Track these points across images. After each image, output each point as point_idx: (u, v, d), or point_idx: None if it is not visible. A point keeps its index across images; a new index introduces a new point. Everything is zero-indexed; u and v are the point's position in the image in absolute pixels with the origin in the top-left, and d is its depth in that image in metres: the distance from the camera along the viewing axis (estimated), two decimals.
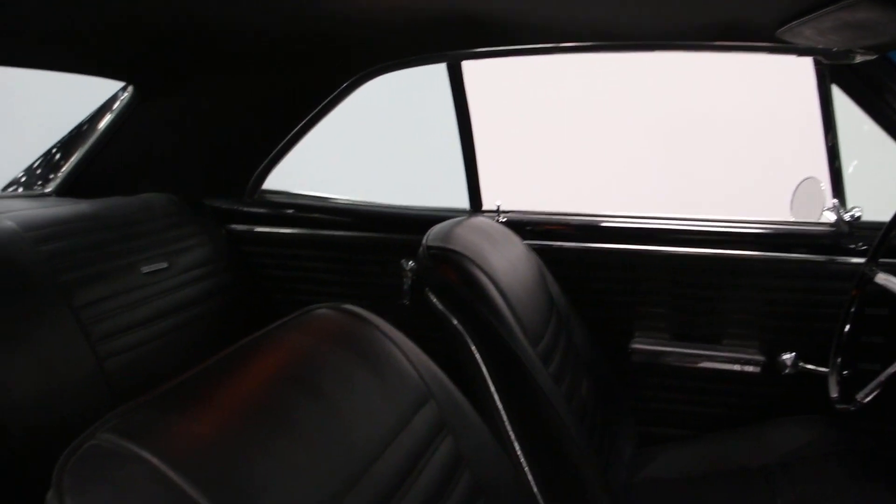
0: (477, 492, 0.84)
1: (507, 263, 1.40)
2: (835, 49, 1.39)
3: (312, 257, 2.10)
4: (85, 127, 2.13)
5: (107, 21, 1.51)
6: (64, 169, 2.11)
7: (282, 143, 2.04)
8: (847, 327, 1.43)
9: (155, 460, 0.53)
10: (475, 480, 0.85)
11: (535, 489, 1.22)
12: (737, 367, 1.75)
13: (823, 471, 1.44)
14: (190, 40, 1.70)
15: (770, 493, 1.43)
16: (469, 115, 1.86)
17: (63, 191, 2.10)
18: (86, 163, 2.08)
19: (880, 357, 1.59)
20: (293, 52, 1.78)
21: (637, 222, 1.79)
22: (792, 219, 1.69)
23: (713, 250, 1.72)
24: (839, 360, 1.42)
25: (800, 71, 1.61)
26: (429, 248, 1.32)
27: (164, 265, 1.82)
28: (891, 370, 1.29)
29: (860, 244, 1.64)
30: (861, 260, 1.54)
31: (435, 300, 1.30)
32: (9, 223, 1.59)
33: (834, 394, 1.43)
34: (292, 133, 2.01)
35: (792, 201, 1.68)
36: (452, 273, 1.27)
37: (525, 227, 1.83)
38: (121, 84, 2.02)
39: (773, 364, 1.72)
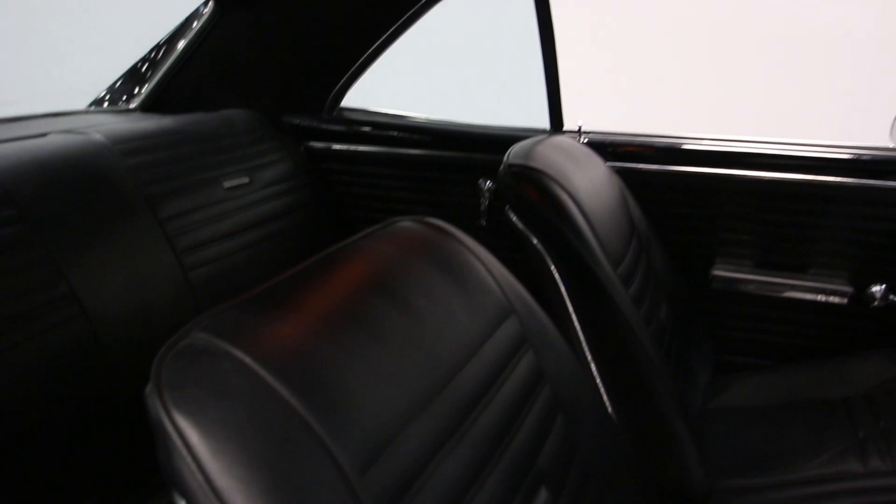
0: (555, 408, 0.84)
1: (589, 183, 1.37)
2: None
3: (390, 175, 2.10)
4: (167, 44, 2.15)
5: None
6: (147, 85, 2.14)
7: (361, 60, 2.02)
8: None
9: (247, 359, 0.55)
10: (554, 396, 0.85)
11: (609, 409, 1.22)
12: (821, 298, 1.70)
13: None
14: None
15: (851, 426, 1.40)
16: (552, 29, 1.79)
17: (147, 107, 2.14)
18: (168, 79, 2.10)
19: None
20: None
21: (723, 145, 1.72)
22: (891, 145, 1.60)
23: (803, 175, 1.64)
24: None
25: None
26: (510, 165, 1.30)
27: (246, 180, 1.85)
28: None
29: None
30: None
31: (515, 219, 1.29)
32: (98, 136, 1.63)
33: None
34: (371, 49, 1.99)
35: (893, 126, 1.59)
36: (534, 191, 1.25)
37: (607, 147, 1.78)
38: None
39: (861, 296, 1.66)
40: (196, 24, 2.05)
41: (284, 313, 0.61)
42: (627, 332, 1.23)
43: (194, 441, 0.49)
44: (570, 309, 1.25)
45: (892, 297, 1.60)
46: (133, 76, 2.20)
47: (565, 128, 1.89)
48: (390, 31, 1.94)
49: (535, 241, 1.26)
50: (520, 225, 1.28)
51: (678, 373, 1.47)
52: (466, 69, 3.28)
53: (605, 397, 1.24)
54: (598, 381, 1.24)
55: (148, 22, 2.26)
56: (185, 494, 0.50)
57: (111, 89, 2.22)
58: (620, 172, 1.67)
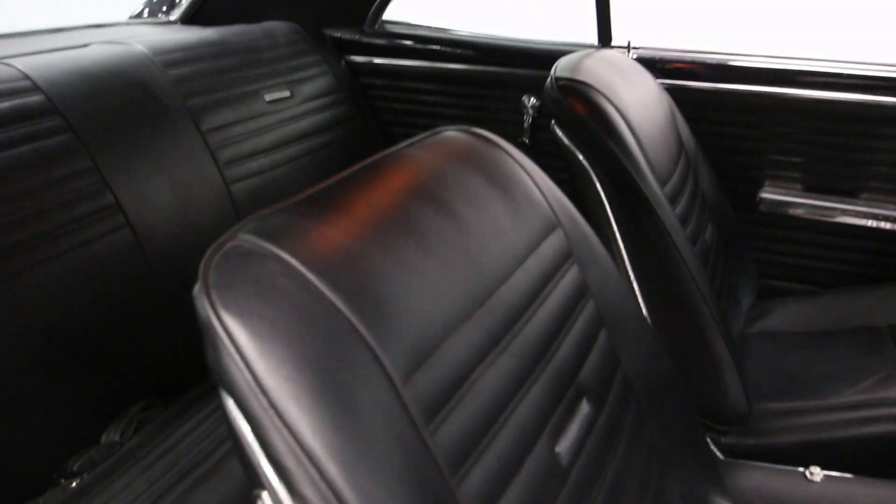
0: (598, 323, 0.84)
1: (638, 100, 1.33)
2: None
3: (432, 91, 2.07)
4: None
5: None
6: None
7: None
8: None
9: (294, 261, 0.54)
10: (598, 312, 0.84)
11: (651, 328, 1.22)
12: (871, 223, 1.65)
13: None
14: None
15: None
16: None
17: (187, 18, 2.11)
18: None
19: None
20: None
21: (776, 63, 1.65)
22: None
23: (857, 95, 1.57)
24: None
25: None
26: (557, 79, 1.27)
27: (287, 94, 1.84)
28: None
29: None
30: None
31: (560, 134, 1.26)
32: (140, 47, 1.62)
33: None
34: None
35: None
36: (581, 106, 1.22)
37: (656, 64, 1.72)
38: None
39: None
40: None
41: (330, 217, 0.61)
42: (672, 252, 1.21)
43: (242, 341, 0.49)
44: (615, 227, 1.23)
45: None
46: None
47: (613, 43, 1.83)
48: None
49: (580, 157, 1.24)
50: (565, 140, 1.25)
51: (721, 295, 1.45)
52: None
53: (646, 314, 1.23)
54: (640, 299, 1.23)
55: None
56: (233, 393, 0.50)
57: (149, 2, 2.19)
58: (670, 90, 1.62)
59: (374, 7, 2.08)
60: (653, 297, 1.24)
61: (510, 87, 1.91)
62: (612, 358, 0.84)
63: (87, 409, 1.40)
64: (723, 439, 1.28)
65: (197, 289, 0.52)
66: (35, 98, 1.36)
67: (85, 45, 1.60)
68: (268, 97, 1.78)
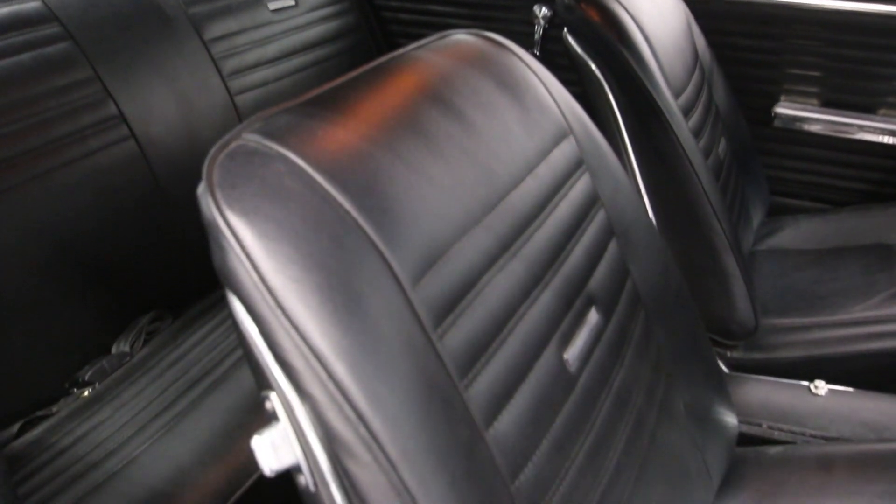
0: (609, 232, 0.83)
1: (654, 8, 1.29)
2: None
3: (440, 0, 2.01)
4: None
5: None
6: None
7: None
8: None
9: (300, 161, 0.53)
10: (608, 221, 0.83)
11: (661, 239, 1.21)
12: (888, 140, 1.61)
13: None
14: None
15: None
16: None
17: None
18: None
19: None
20: None
21: None
22: None
23: (880, 6, 1.52)
24: None
25: None
26: None
27: (292, 2, 1.79)
28: None
29: None
30: None
31: (573, 42, 1.23)
32: None
33: None
34: None
35: None
36: (595, 13, 1.18)
37: None
38: None
39: None
40: None
41: (337, 118, 0.59)
42: (684, 163, 1.19)
43: (248, 240, 0.48)
44: (626, 139, 1.21)
45: None
46: None
47: None
48: None
49: (593, 66, 1.20)
50: (578, 49, 1.22)
51: (732, 210, 1.43)
52: None
53: (656, 225, 1.22)
54: (650, 211, 1.22)
55: None
56: (239, 293, 0.49)
57: None
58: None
59: None
60: (664, 210, 1.23)
61: None
62: (621, 268, 0.83)
63: (98, 321, 1.41)
64: (729, 354, 1.28)
65: (201, 188, 0.51)
66: (32, 4, 1.32)
67: None
68: (272, 5, 1.74)
